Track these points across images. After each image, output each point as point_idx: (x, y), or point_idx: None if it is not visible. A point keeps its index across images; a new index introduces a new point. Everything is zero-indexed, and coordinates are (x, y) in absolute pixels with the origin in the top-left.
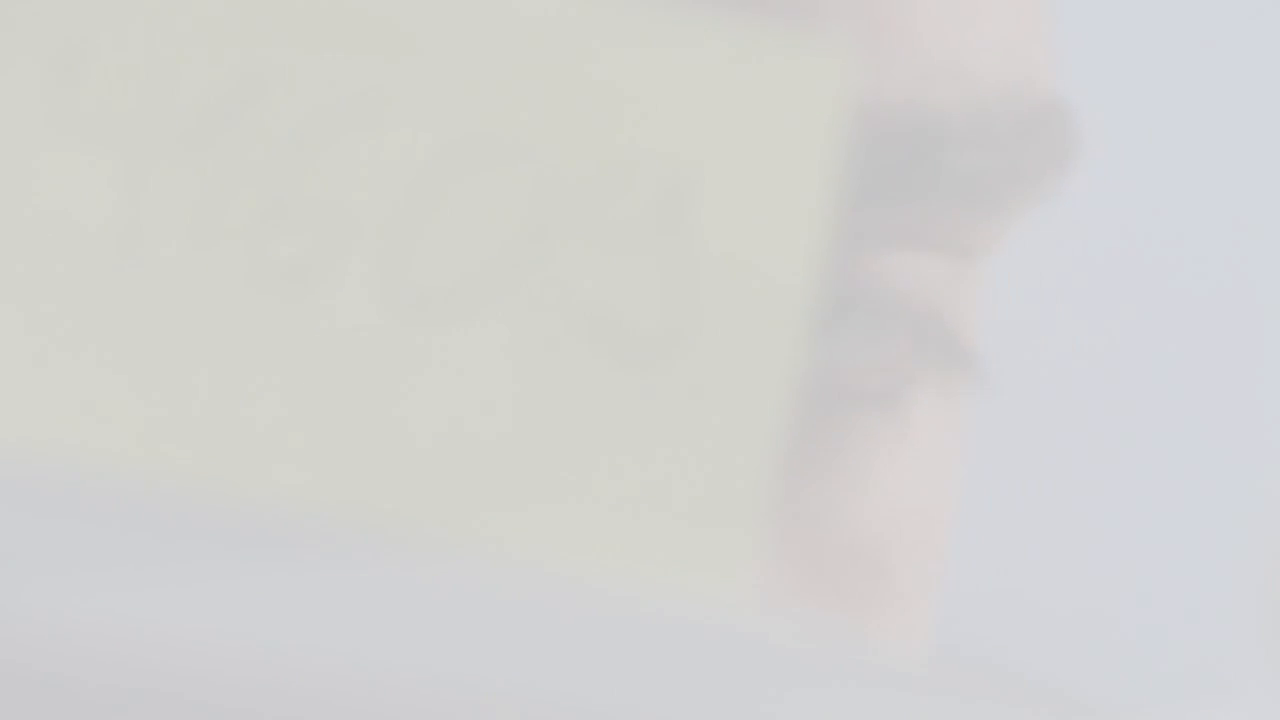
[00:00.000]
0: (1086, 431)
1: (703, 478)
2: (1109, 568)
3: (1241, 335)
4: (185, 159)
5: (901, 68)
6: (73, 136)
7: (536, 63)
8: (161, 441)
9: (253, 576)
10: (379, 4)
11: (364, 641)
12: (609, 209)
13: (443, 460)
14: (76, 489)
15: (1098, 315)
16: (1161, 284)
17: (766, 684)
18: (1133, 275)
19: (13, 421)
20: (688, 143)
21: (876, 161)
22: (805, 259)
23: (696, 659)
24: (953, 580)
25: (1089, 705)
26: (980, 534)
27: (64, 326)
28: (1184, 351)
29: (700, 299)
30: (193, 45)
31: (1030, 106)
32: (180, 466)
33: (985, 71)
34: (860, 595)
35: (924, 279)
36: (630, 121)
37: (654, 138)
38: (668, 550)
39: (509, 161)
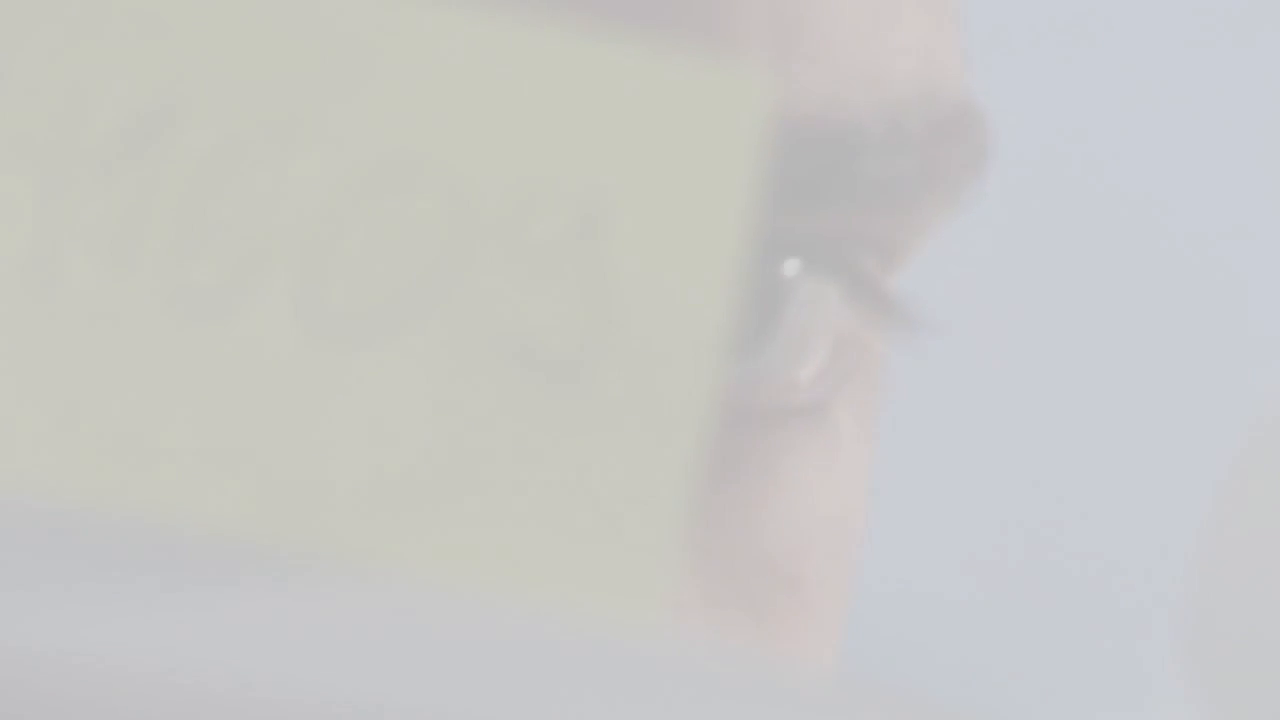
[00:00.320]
0: (999, 437)
1: (620, 497)
2: (1020, 578)
3: (1154, 353)
4: (101, 184)
5: (816, 75)
6: None
7: (453, 85)
8: (77, 467)
9: (168, 600)
10: (295, 29)
11: (276, 665)
12: (527, 230)
13: (361, 482)
14: None
15: (1005, 329)
16: (1074, 279)
17: (677, 700)
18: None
19: None
20: (604, 164)
21: (793, 169)
22: (723, 279)
23: (610, 676)
24: (861, 589)
25: None
26: (888, 543)
27: None
28: (1079, 378)
29: (618, 319)
30: (108, 70)
31: (944, 111)
32: (95, 492)
33: (899, 77)
34: (772, 607)
35: (845, 288)
36: (547, 143)
37: (570, 159)
38: (583, 570)
39: (426, 184)
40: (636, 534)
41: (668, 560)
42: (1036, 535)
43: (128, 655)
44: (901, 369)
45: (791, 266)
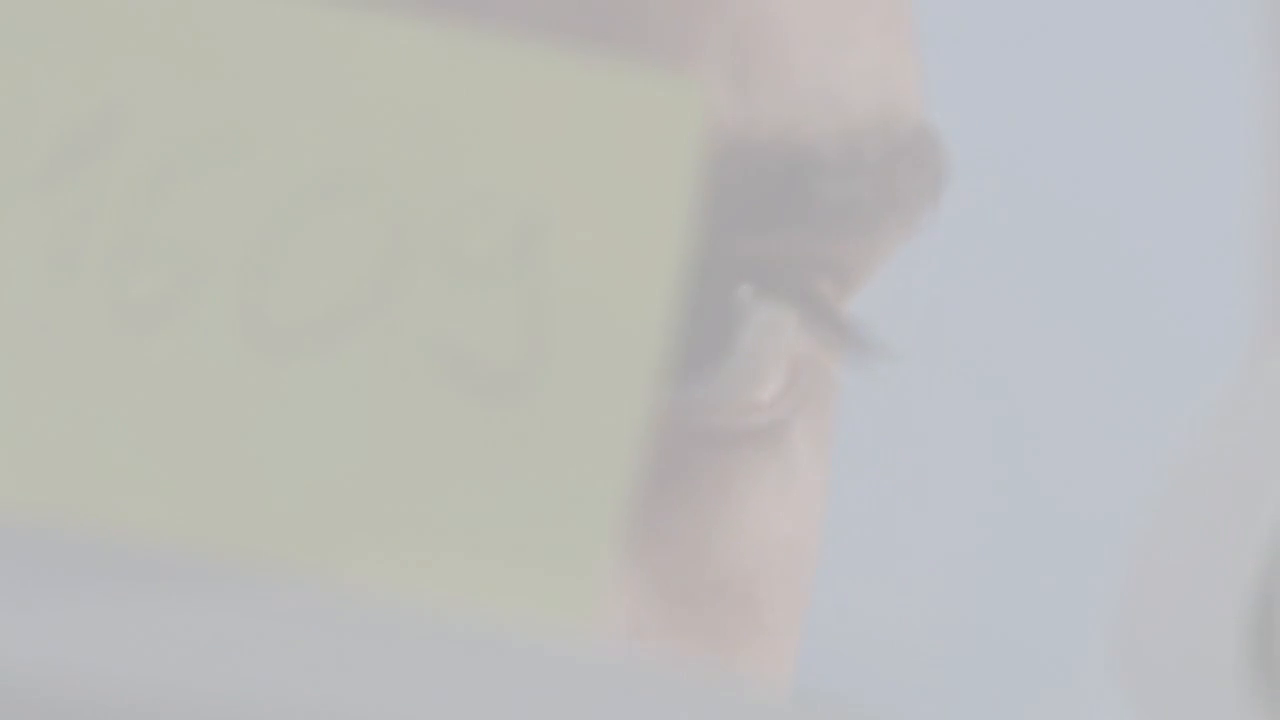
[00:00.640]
0: (939, 442)
1: (554, 512)
2: (968, 599)
3: (1102, 369)
4: (40, 195)
5: (773, 98)
6: None
7: (392, 97)
8: (16, 477)
9: (108, 608)
10: (234, 40)
11: (210, 672)
12: (464, 243)
13: (297, 492)
14: None
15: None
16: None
17: (623, 717)
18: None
19: None
20: (543, 177)
21: (750, 193)
22: (660, 295)
23: (550, 693)
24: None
25: None
26: (840, 565)
27: None
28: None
29: (555, 334)
30: (46, 82)
31: (902, 135)
32: (34, 502)
33: (856, 100)
34: (727, 629)
35: (801, 311)
36: (486, 156)
37: (509, 172)
38: (517, 585)
39: (364, 196)
40: (568, 547)
41: (599, 575)
42: (986, 555)
43: (57, 667)
44: (856, 392)
45: (747, 290)
